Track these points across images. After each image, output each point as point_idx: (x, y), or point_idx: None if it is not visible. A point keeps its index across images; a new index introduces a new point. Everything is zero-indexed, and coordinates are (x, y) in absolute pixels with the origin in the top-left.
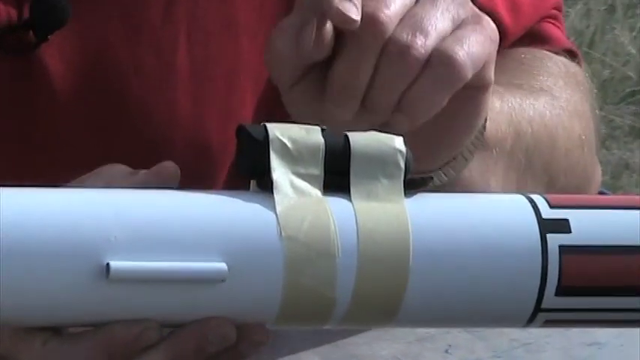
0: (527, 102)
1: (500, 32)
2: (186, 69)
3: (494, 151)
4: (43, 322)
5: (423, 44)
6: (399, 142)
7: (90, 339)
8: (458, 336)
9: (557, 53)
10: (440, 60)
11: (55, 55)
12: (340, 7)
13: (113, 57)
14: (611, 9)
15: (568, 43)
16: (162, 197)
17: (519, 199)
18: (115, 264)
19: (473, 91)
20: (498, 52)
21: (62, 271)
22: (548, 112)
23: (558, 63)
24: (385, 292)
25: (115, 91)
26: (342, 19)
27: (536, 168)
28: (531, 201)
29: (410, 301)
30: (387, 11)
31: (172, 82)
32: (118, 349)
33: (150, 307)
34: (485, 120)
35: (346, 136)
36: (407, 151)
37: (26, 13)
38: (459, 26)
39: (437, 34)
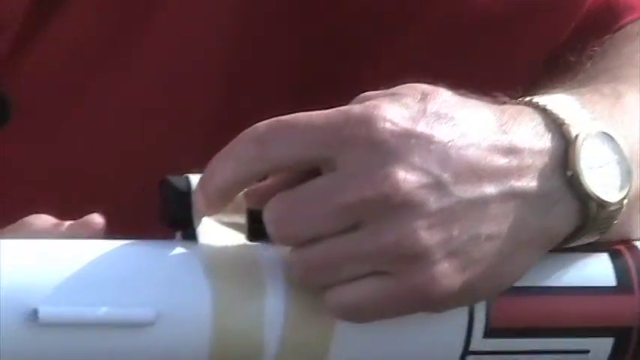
0: None
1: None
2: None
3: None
4: None
5: None
6: None
7: None
8: None
9: None
10: None
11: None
12: None
13: (52, 155)
14: None
15: None
16: (89, 245)
17: None
18: (44, 309)
19: None
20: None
21: None
22: None
23: None
24: (313, 336)
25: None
26: None
27: None
28: None
29: (338, 347)
30: None
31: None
32: None
33: (79, 353)
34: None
35: None
36: None
37: None
38: None
39: None
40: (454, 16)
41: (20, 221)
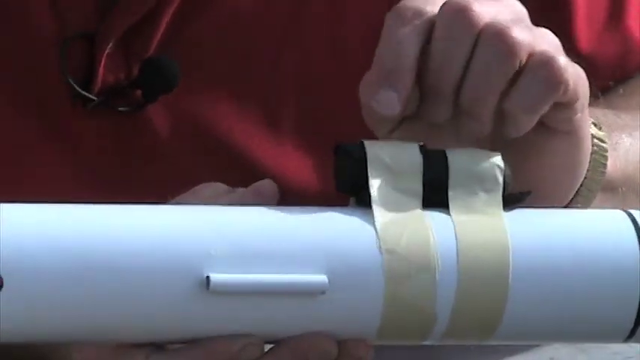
0: None
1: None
2: (292, 122)
3: (620, 190)
4: (145, 338)
5: (519, 31)
6: (497, 157)
7: (192, 353)
8: (560, 349)
9: None
10: (540, 61)
11: (162, 114)
12: (374, 105)
13: (219, 119)
14: None
15: None
16: (261, 212)
17: (619, 214)
18: (215, 276)
19: (564, 111)
20: None
21: (163, 285)
22: None
23: None
24: (485, 306)
25: (221, 150)
26: (380, 113)
27: None
28: (630, 215)
29: (509, 317)
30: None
31: (279, 135)
32: None
33: (250, 321)
34: (605, 160)
35: (444, 152)
36: (505, 166)
37: (135, 73)
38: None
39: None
40: None
41: (192, 189)
